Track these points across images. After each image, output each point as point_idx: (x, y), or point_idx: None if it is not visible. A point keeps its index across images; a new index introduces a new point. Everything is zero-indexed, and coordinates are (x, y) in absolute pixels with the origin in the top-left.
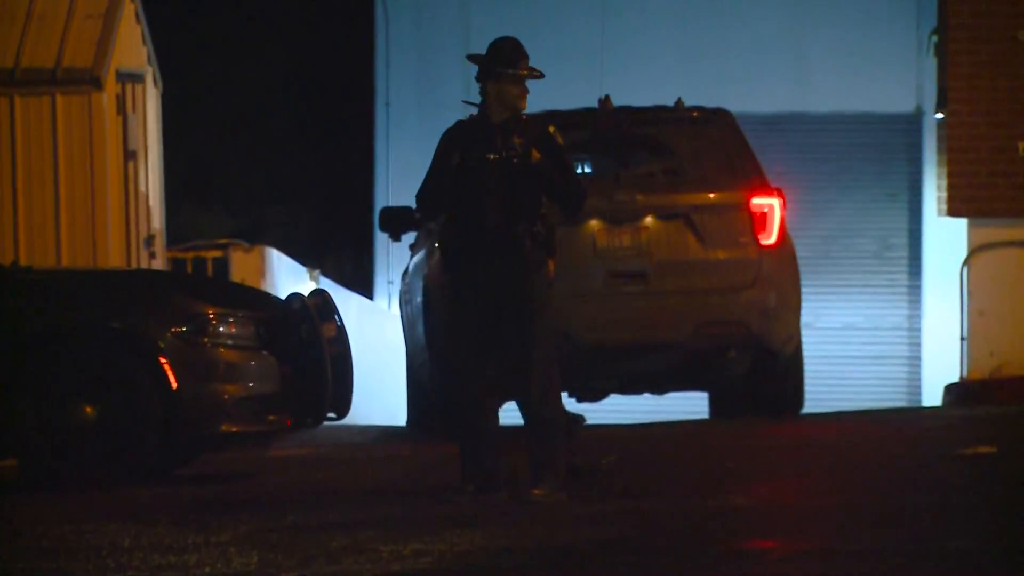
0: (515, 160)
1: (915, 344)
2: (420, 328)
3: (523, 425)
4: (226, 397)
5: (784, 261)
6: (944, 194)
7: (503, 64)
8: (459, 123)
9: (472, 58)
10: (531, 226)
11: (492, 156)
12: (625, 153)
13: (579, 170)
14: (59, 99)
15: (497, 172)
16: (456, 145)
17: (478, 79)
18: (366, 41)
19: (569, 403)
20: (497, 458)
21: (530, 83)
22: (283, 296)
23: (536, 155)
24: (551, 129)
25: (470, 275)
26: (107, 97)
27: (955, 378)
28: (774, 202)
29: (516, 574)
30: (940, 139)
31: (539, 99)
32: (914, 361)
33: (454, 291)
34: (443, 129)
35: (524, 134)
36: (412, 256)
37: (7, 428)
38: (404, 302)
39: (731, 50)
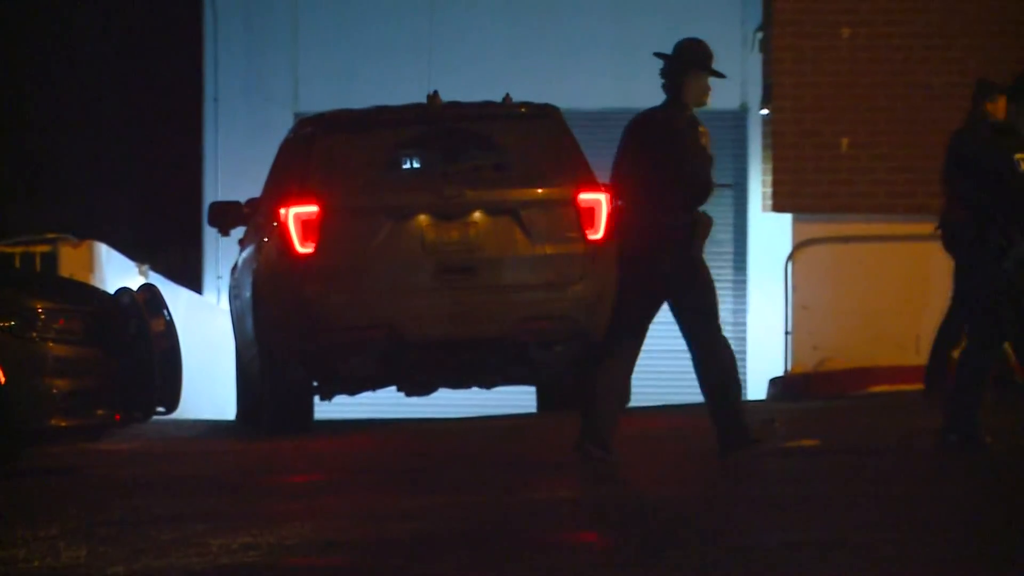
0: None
1: (740, 338)
2: (249, 323)
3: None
4: (54, 392)
5: (611, 256)
6: (769, 190)
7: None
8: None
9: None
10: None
11: None
12: (453, 149)
13: (407, 165)
14: None
15: None
16: None
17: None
18: (194, 35)
19: (397, 397)
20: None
21: (358, 79)
22: (112, 291)
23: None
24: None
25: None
26: None
27: (779, 372)
28: (601, 198)
29: (343, 567)
30: (765, 135)
31: (367, 95)
32: (739, 355)
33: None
34: (273, 123)
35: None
36: (241, 251)
37: None
38: (234, 297)
39: (558, 46)
